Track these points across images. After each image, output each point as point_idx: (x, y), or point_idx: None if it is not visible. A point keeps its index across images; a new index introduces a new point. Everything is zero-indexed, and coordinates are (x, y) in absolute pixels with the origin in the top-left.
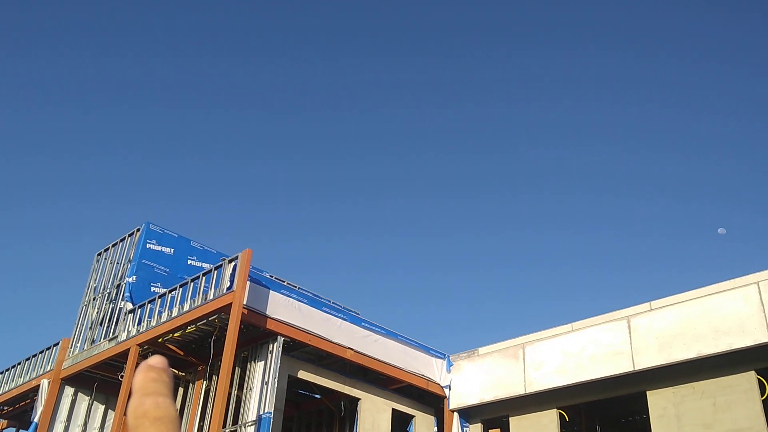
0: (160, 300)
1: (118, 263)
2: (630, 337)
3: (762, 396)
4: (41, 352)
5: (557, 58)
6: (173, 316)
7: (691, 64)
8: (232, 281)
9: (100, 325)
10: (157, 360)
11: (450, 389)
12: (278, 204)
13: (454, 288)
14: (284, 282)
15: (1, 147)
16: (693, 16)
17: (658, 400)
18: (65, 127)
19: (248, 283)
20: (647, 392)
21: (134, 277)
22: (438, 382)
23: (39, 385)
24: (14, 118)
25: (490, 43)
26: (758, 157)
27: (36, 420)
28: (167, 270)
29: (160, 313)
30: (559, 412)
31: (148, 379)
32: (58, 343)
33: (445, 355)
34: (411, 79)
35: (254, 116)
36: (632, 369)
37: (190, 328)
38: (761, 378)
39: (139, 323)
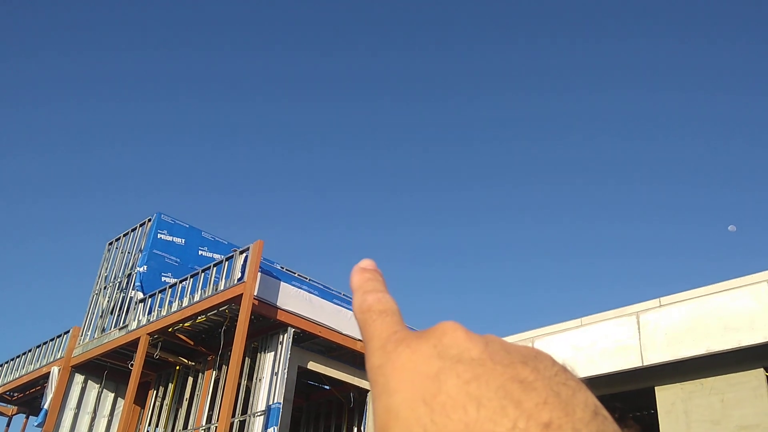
0: (170, 290)
1: (129, 253)
2: (639, 332)
3: None
4: (52, 340)
5: (576, 46)
6: (184, 306)
7: (694, 46)
8: (243, 272)
9: (111, 313)
10: (367, 262)
11: None
12: (290, 196)
13: (467, 281)
14: (295, 273)
15: (15, 143)
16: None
17: (666, 396)
18: (76, 122)
19: (259, 274)
20: (656, 388)
21: (145, 266)
22: None
23: (49, 373)
24: (31, 115)
25: (497, 36)
26: None
27: (46, 407)
28: (178, 260)
29: (170, 302)
30: None
31: (364, 279)
32: (68, 331)
33: None
34: (435, 71)
35: (266, 107)
36: (641, 364)
37: (200, 318)
38: None
39: (150, 313)
